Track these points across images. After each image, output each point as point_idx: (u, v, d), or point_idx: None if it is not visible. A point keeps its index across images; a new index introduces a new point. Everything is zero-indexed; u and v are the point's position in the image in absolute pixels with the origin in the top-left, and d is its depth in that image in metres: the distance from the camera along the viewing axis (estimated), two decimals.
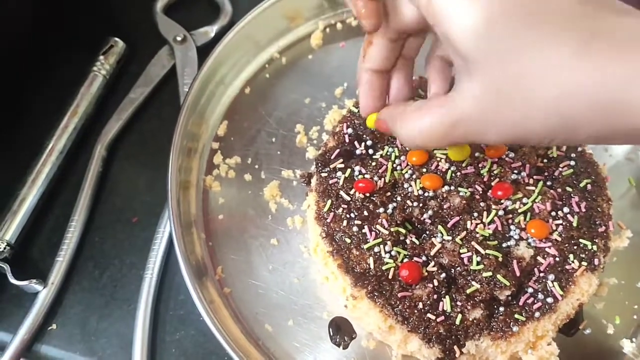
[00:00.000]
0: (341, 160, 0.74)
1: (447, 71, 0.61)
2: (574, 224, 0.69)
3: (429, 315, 0.64)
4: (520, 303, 0.66)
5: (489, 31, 0.45)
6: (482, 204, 0.70)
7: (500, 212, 0.69)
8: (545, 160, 0.74)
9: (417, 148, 0.66)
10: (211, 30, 0.98)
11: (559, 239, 0.68)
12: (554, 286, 0.66)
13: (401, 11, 0.56)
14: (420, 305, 0.65)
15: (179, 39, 0.95)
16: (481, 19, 0.45)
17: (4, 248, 0.76)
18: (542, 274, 0.67)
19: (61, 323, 0.76)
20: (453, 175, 0.72)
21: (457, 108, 0.49)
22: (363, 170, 0.73)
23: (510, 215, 0.70)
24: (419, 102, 0.55)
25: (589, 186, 0.72)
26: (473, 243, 0.66)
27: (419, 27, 0.56)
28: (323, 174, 0.74)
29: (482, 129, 0.49)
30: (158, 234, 0.79)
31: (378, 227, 0.69)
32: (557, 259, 0.67)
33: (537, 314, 0.65)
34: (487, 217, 0.69)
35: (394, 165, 0.73)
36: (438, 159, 0.73)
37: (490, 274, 0.65)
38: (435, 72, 0.61)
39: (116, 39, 0.94)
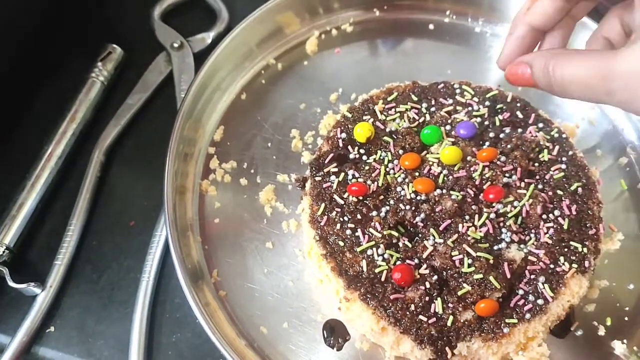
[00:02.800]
0: (335, 164, 0.75)
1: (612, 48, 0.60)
2: (565, 227, 0.70)
3: (421, 317, 0.65)
4: (511, 305, 0.67)
5: None
6: (473, 207, 0.70)
7: (492, 215, 0.70)
8: (536, 164, 0.75)
9: (566, 94, 0.57)
10: (208, 37, 0.99)
11: (550, 241, 0.69)
12: (544, 288, 0.67)
13: None
14: (413, 307, 0.66)
15: (176, 45, 0.97)
16: None
17: (3, 251, 0.77)
18: (532, 276, 0.68)
19: (59, 325, 0.77)
20: (445, 178, 0.73)
21: (618, 63, 0.48)
22: (356, 174, 0.74)
23: (502, 219, 0.71)
24: (582, 50, 0.53)
25: (579, 189, 0.73)
26: (464, 246, 0.67)
27: None
28: (317, 178, 0.75)
29: (635, 94, 0.47)
30: (155, 238, 0.80)
31: (371, 230, 0.70)
32: (548, 261, 0.68)
33: (527, 316, 0.66)
34: (478, 220, 0.70)
35: (387, 169, 0.74)
36: (430, 162, 0.74)
37: (481, 276, 0.66)
38: (599, 48, 0.60)
39: (114, 45, 0.96)
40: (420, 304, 0.66)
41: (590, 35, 0.61)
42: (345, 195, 0.72)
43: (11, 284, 0.75)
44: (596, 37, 0.60)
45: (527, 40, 0.59)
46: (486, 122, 0.79)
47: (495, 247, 0.69)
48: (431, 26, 0.98)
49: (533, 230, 0.71)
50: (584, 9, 0.59)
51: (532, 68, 0.55)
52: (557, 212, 0.71)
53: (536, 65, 0.55)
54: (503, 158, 0.74)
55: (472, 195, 0.71)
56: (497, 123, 0.78)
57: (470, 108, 0.79)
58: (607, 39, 0.59)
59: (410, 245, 0.70)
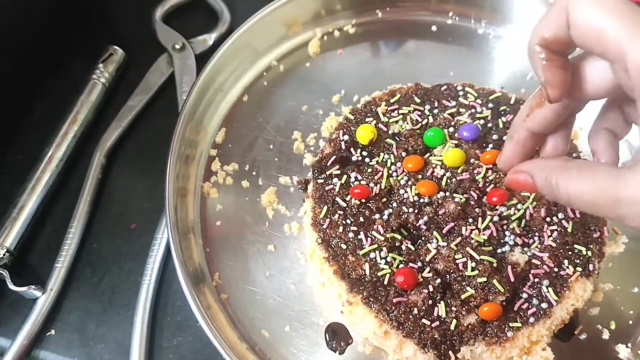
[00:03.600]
0: (337, 166, 0.75)
1: (615, 143, 0.58)
2: (569, 230, 0.70)
3: (424, 320, 0.65)
4: (515, 308, 0.66)
5: None
6: (477, 210, 0.70)
7: (495, 218, 0.70)
8: None
9: (574, 207, 0.58)
10: (209, 38, 0.98)
11: (554, 244, 0.69)
12: (548, 291, 0.66)
13: (591, 80, 0.52)
14: (416, 311, 0.65)
15: (177, 47, 0.96)
16: None
17: (4, 254, 0.77)
18: (536, 280, 0.67)
19: (60, 329, 0.76)
20: (448, 181, 0.72)
21: (628, 189, 0.45)
22: (359, 177, 0.74)
23: (505, 222, 0.70)
24: (583, 162, 0.52)
25: None
26: (468, 249, 0.67)
27: (604, 97, 0.53)
28: (319, 181, 0.75)
29: None
30: (156, 241, 0.80)
31: (374, 233, 0.69)
32: (552, 264, 0.68)
33: (531, 319, 0.65)
34: (482, 223, 0.69)
35: (390, 172, 0.74)
36: (433, 165, 0.73)
37: (484, 279, 0.65)
38: (603, 144, 0.58)
39: (115, 47, 0.95)
40: (423, 308, 0.65)
41: (592, 128, 0.59)
42: (347, 198, 0.72)
43: (11, 287, 0.74)
44: (597, 130, 0.58)
45: (527, 144, 0.58)
46: (489, 124, 0.78)
47: (499, 251, 0.69)
48: (434, 28, 0.97)
49: (537, 234, 0.70)
50: (583, 106, 0.57)
51: (533, 178, 0.54)
52: (561, 215, 0.71)
53: (538, 177, 0.54)
54: None
55: (476, 198, 0.71)
56: (501, 125, 0.78)
57: (473, 110, 0.79)
58: (610, 130, 0.58)
59: (413, 248, 0.69)
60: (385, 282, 0.67)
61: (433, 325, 0.64)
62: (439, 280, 0.66)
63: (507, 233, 0.69)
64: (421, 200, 0.71)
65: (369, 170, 0.74)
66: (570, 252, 0.69)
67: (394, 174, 0.74)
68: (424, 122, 0.78)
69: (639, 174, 0.45)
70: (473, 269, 0.66)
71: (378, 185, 0.72)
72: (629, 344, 0.72)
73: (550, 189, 0.52)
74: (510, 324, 0.65)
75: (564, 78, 0.50)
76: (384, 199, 0.72)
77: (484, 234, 0.69)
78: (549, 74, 0.50)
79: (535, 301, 0.66)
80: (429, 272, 0.67)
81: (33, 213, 0.81)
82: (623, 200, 0.46)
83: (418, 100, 0.81)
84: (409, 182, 0.72)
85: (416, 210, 0.71)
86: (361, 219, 0.70)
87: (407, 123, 0.78)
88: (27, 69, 0.95)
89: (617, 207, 0.46)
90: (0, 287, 0.76)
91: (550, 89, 0.50)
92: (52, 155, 0.84)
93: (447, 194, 0.71)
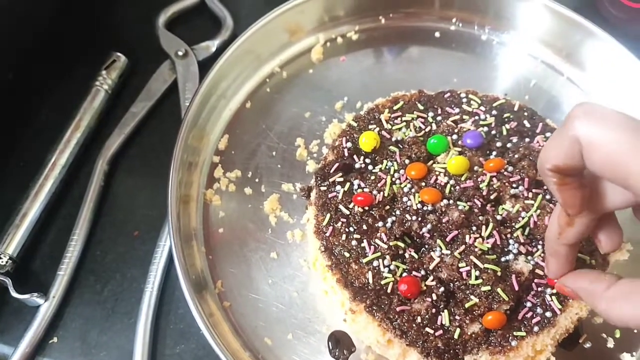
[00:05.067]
0: (340, 174, 0.75)
1: None
2: None
3: (427, 329, 0.64)
4: (519, 317, 0.66)
5: None
6: (480, 217, 0.70)
7: (498, 217, 0.70)
8: None
9: (627, 327, 0.55)
10: (212, 45, 0.98)
11: None
12: (552, 300, 0.66)
13: (610, 196, 0.51)
14: (419, 319, 0.65)
15: (180, 53, 0.96)
16: None
17: (6, 262, 0.77)
18: (540, 289, 0.67)
19: (62, 336, 0.76)
20: (452, 189, 0.72)
21: None
22: (362, 184, 0.73)
23: (509, 230, 0.70)
24: (624, 285, 0.51)
25: None
26: (472, 257, 0.67)
27: (629, 206, 0.53)
28: (322, 188, 0.74)
29: None
30: (159, 248, 0.80)
31: (377, 241, 0.69)
32: None
33: (535, 329, 0.65)
34: (485, 231, 0.69)
35: (393, 179, 0.73)
36: (437, 172, 0.73)
37: (488, 288, 0.65)
38: None
39: (118, 53, 0.95)
40: (427, 316, 0.65)
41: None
42: (350, 206, 0.72)
43: (14, 294, 0.74)
44: None
45: (570, 255, 0.58)
46: (493, 132, 0.78)
47: (503, 259, 0.68)
48: (437, 34, 0.97)
49: (541, 242, 0.70)
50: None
51: (582, 299, 0.56)
52: None
53: (587, 298, 0.55)
54: (510, 168, 0.73)
55: (480, 206, 0.70)
56: (504, 132, 0.78)
57: (477, 117, 0.79)
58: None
59: (416, 256, 0.69)
60: (389, 291, 0.66)
61: (436, 334, 0.64)
62: (442, 289, 0.66)
63: (511, 241, 0.69)
64: (425, 208, 0.71)
65: (372, 177, 0.74)
66: None
67: (397, 181, 0.73)
68: (427, 130, 0.78)
69: None
70: (477, 278, 0.66)
71: (381, 193, 0.72)
72: (634, 353, 0.71)
73: (602, 313, 0.52)
74: (515, 333, 0.65)
75: (580, 196, 0.50)
76: (387, 207, 0.72)
77: (487, 242, 0.68)
78: (565, 196, 0.50)
79: (539, 310, 0.66)
80: (432, 281, 0.66)
81: (36, 220, 0.81)
82: None
83: (421, 107, 0.80)
84: (413, 190, 0.72)
85: (419, 218, 0.70)
86: (364, 227, 0.70)
87: (411, 130, 0.78)
88: (30, 76, 0.95)
89: None
90: (3, 294, 0.76)
91: (569, 209, 0.51)
92: (55, 162, 0.84)
93: (451, 201, 0.71)
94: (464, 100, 0.81)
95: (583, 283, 0.56)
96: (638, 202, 0.50)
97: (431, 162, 0.75)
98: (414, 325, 0.65)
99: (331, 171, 0.75)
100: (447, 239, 0.69)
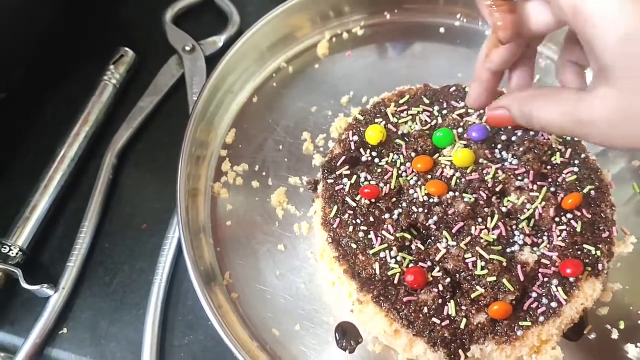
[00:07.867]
0: (347, 166, 0.75)
1: (582, 73, 0.61)
2: (578, 230, 0.70)
3: (434, 319, 0.65)
4: (525, 307, 0.66)
5: (637, 42, 0.44)
6: (486, 209, 0.70)
7: (503, 209, 0.71)
8: (549, 167, 0.75)
9: (551, 133, 0.63)
10: (219, 40, 0.99)
11: (563, 244, 0.69)
12: (557, 291, 0.67)
13: (534, 19, 0.55)
14: (425, 310, 0.65)
15: (187, 48, 0.97)
16: (632, 28, 0.44)
17: (16, 253, 0.78)
18: (545, 279, 0.68)
19: (72, 327, 0.77)
20: (457, 181, 0.73)
21: (588, 109, 0.49)
22: (368, 177, 0.74)
23: (514, 221, 0.70)
24: (550, 88, 0.55)
25: (592, 192, 0.73)
26: (477, 248, 0.67)
27: (549, 32, 0.57)
28: (329, 181, 0.75)
29: (609, 134, 0.49)
30: (167, 240, 0.81)
31: (384, 232, 0.70)
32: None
33: (541, 319, 0.66)
34: (491, 222, 0.69)
35: (399, 172, 0.74)
36: (443, 165, 0.74)
37: (494, 278, 0.66)
38: (570, 74, 0.61)
39: (126, 48, 0.96)
40: (433, 307, 0.66)
41: (557, 62, 0.62)
42: (357, 198, 0.73)
43: (24, 285, 0.75)
44: (563, 63, 0.61)
45: (490, 83, 0.62)
46: None
47: (508, 250, 0.69)
48: (442, 29, 0.98)
49: (546, 233, 0.70)
50: (538, 43, 0.62)
51: (510, 111, 0.58)
52: (569, 215, 0.71)
53: (514, 109, 0.58)
54: (515, 161, 0.74)
55: (485, 198, 0.71)
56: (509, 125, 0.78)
57: (482, 111, 0.79)
58: (574, 62, 0.61)
59: (422, 247, 0.70)
60: (395, 281, 0.67)
61: (443, 324, 0.65)
62: (448, 280, 0.67)
63: (516, 232, 0.70)
64: (430, 200, 0.71)
65: (379, 170, 0.75)
66: (579, 252, 0.69)
67: (404, 174, 0.74)
68: (433, 123, 0.79)
69: (597, 96, 0.49)
70: (482, 268, 0.66)
71: (388, 185, 0.73)
72: (638, 344, 0.72)
73: (526, 118, 0.56)
74: (520, 323, 0.65)
75: (511, 20, 0.54)
76: (394, 199, 0.73)
77: (493, 234, 0.69)
78: (498, 19, 0.54)
79: (544, 300, 0.67)
80: (438, 271, 0.67)
81: (45, 212, 0.82)
82: (585, 121, 0.50)
83: (427, 101, 0.81)
84: (419, 182, 0.73)
85: (426, 210, 0.71)
86: (371, 219, 0.71)
87: (416, 124, 0.79)
88: (39, 71, 0.96)
89: (581, 127, 0.50)
90: (13, 285, 0.77)
91: (501, 32, 0.54)
92: (64, 156, 0.85)
93: (457, 193, 0.72)
94: None
95: (514, 94, 0.60)
96: (558, 25, 0.54)
97: (437, 155, 0.76)
98: (420, 315, 0.65)
99: (338, 164, 0.76)
100: (453, 231, 0.69)
